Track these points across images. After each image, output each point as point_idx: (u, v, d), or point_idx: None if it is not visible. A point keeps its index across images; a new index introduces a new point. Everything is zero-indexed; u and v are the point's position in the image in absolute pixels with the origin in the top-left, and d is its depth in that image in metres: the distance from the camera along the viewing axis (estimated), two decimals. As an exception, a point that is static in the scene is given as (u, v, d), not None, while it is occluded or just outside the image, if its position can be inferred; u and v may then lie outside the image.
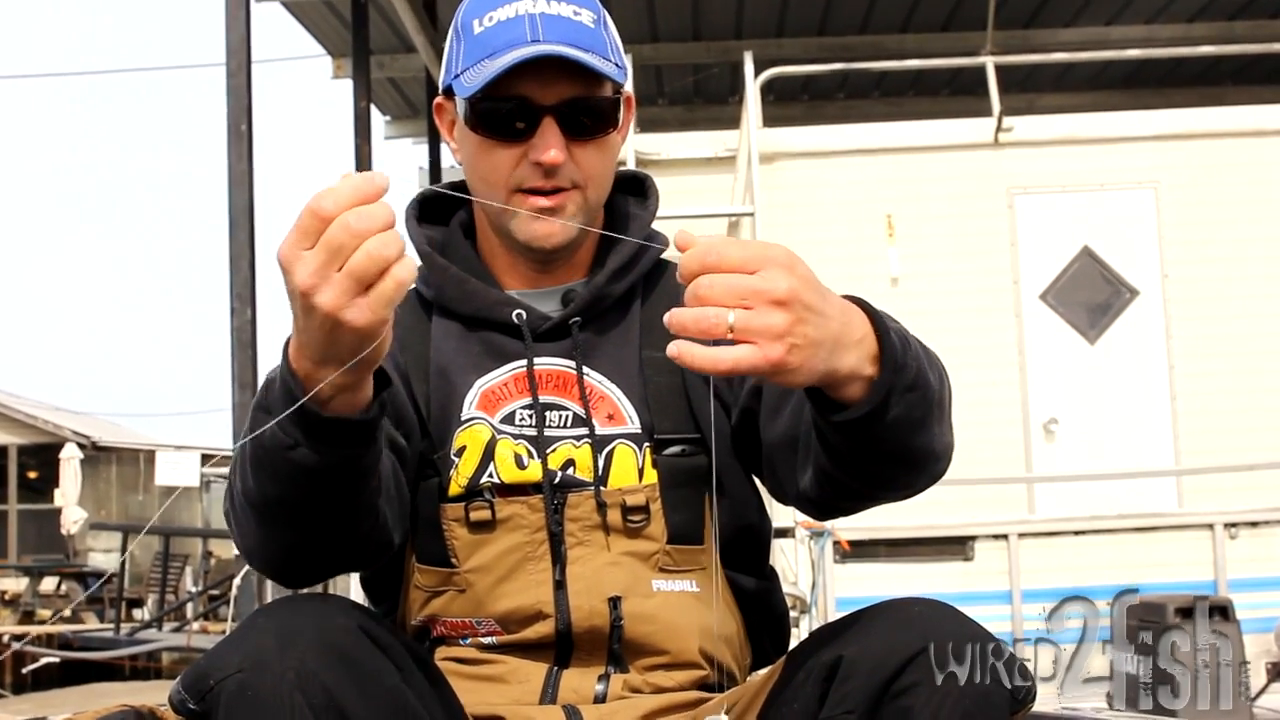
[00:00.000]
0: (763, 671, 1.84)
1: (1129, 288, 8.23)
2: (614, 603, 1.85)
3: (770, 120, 8.46)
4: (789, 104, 11.68)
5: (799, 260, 1.47)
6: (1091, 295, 8.21)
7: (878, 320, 1.55)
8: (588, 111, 1.85)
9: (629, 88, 1.94)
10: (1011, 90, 8.38)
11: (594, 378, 1.91)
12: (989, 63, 8.51)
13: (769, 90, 8.52)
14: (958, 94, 11.76)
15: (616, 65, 1.87)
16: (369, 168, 11.26)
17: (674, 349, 1.44)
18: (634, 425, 1.89)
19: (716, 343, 1.44)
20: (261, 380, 1.63)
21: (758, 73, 8.39)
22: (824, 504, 1.76)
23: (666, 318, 1.44)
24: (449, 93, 1.92)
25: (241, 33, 7.42)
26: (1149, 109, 9.03)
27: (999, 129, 8.28)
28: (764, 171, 8.01)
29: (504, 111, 1.84)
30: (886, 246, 8.13)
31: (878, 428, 1.56)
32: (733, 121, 9.20)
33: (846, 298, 1.56)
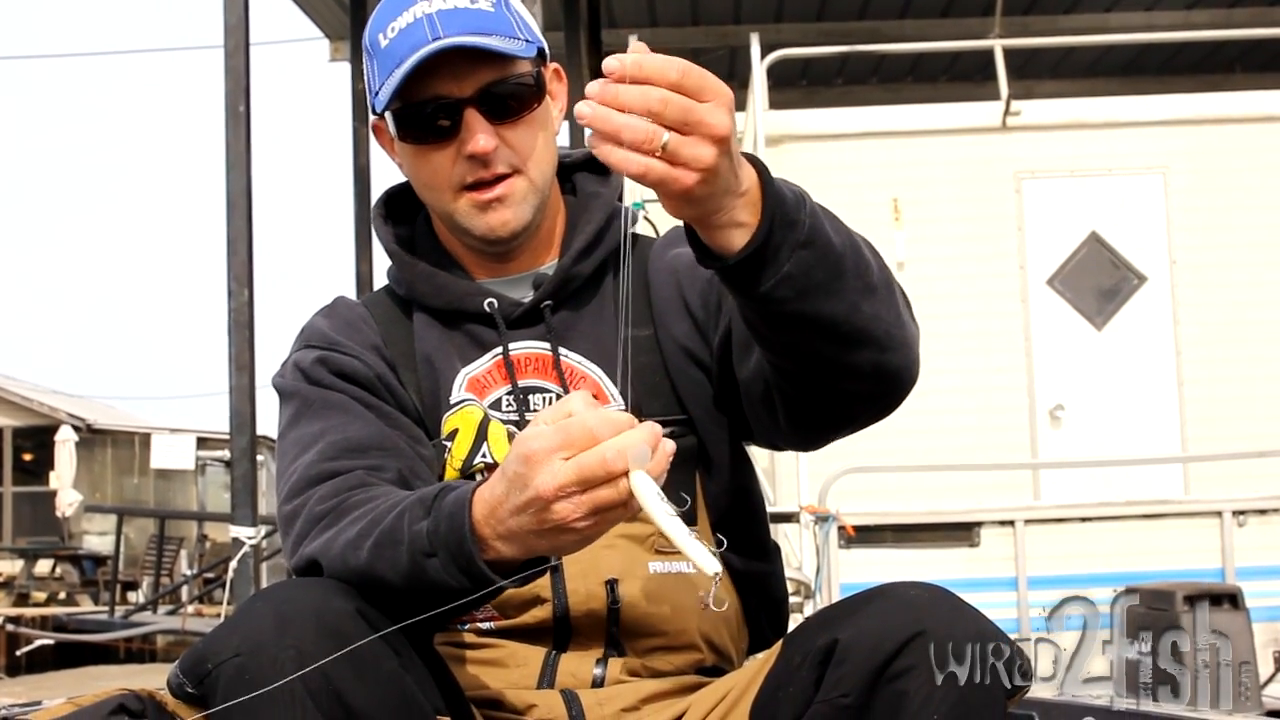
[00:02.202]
0: (760, 655, 1.84)
1: (1136, 273, 8.19)
2: (611, 585, 1.86)
3: (767, 105, 8.40)
4: (786, 90, 11.61)
5: (733, 97, 1.47)
6: (1099, 281, 8.18)
7: (765, 174, 1.56)
8: (507, 94, 1.87)
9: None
10: (1009, 77, 8.32)
11: (573, 358, 1.94)
12: (997, 45, 8.47)
13: (767, 75, 8.48)
14: (956, 80, 11.74)
15: (526, 41, 1.88)
16: (367, 151, 11.23)
17: (591, 130, 1.44)
18: (618, 404, 1.90)
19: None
20: (409, 499, 1.66)
21: (762, 57, 8.32)
22: (794, 420, 1.76)
23: (584, 108, 1.43)
24: (376, 110, 1.93)
25: (239, 13, 7.39)
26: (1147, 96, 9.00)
27: (1007, 113, 8.24)
28: (770, 154, 7.97)
29: (425, 114, 1.87)
30: (893, 230, 8.08)
31: (767, 285, 1.56)
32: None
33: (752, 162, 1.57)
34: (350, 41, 11.11)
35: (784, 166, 8.01)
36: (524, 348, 1.94)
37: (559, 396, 1.91)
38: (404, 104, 1.87)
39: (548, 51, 1.96)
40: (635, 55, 1.45)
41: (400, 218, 2.07)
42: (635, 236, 2.05)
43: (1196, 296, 8.14)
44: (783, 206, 1.55)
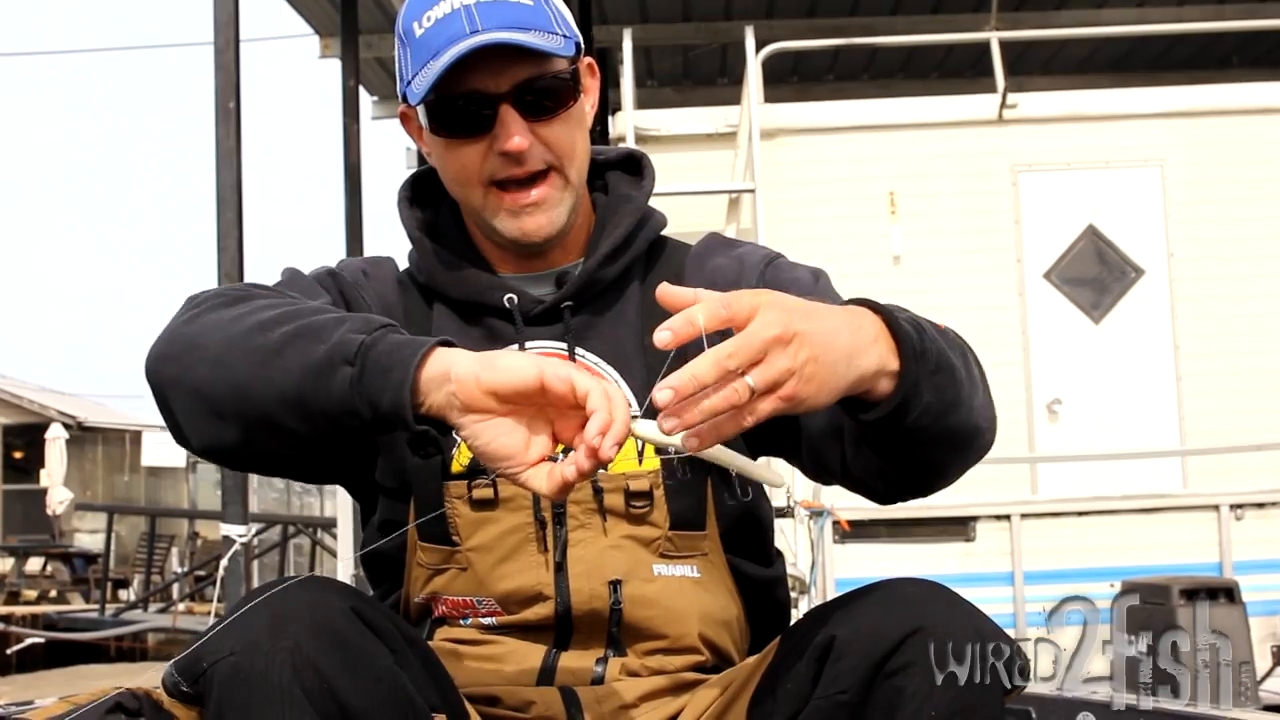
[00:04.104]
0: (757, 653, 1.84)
1: (1134, 267, 8.16)
2: (614, 586, 1.84)
3: (762, 99, 8.38)
4: (778, 86, 11.61)
5: (775, 293, 1.48)
6: (1096, 274, 8.16)
7: (888, 315, 1.57)
8: (543, 91, 1.84)
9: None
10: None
11: (589, 360, 1.92)
12: (993, 38, 8.45)
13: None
14: (947, 76, 11.77)
15: (565, 37, 1.86)
16: (358, 148, 11.21)
17: (693, 442, 1.45)
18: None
19: None
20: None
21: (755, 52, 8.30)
22: (893, 493, 1.78)
23: (679, 408, 1.43)
24: (408, 100, 1.89)
25: (230, 9, 7.37)
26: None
27: (1003, 106, 8.21)
28: (765, 148, 7.94)
29: (460, 108, 1.84)
30: (889, 224, 8.06)
31: (912, 417, 1.58)
32: (722, 103, 9.13)
33: (853, 301, 1.59)
34: (340, 38, 11.08)
35: (779, 160, 7.99)
36: (540, 346, 1.91)
37: None
38: (438, 96, 1.83)
39: (583, 45, 1.93)
40: (682, 318, 1.44)
41: (425, 202, 2.04)
42: (664, 240, 2.03)
43: (1194, 290, 8.11)
44: (910, 341, 1.56)
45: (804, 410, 1.49)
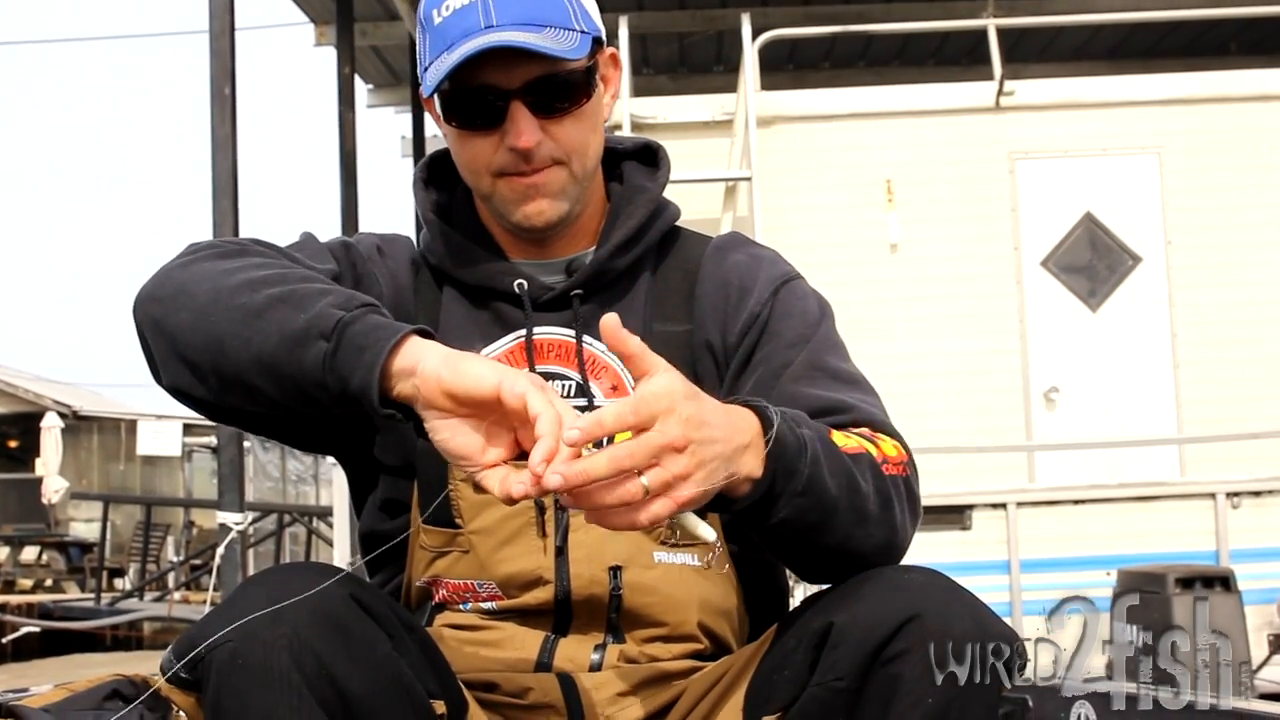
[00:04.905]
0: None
1: (1131, 254, 8.14)
2: (614, 572, 1.85)
3: (759, 86, 8.36)
4: (774, 74, 11.58)
5: (676, 389, 1.50)
6: (1093, 262, 8.14)
7: (771, 425, 1.59)
8: (555, 90, 1.85)
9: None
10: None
11: (596, 348, 1.92)
12: (991, 25, 8.43)
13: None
14: (943, 64, 11.74)
15: (582, 31, 1.86)
16: (353, 136, 11.19)
17: (592, 519, 1.50)
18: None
19: None
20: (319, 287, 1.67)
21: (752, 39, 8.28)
22: (800, 575, 1.82)
23: (574, 486, 1.47)
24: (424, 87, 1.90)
25: (225, -5, 7.35)
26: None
27: (1000, 93, 8.19)
28: (762, 135, 7.92)
29: (472, 102, 1.84)
30: (886, 212, 8.03)
31: (769, 525, 1.62)
32: (716, 91, 9.10)
33: (740, 403, 1.61)
34: (336, 26, 11.05)
35: (776, 148, 7.97)
36: (548, 333, 1.93)
37: (578, 385, 1.91)
38: (451, 88, 1.84)
39: (604, 37, 1.93)
40: (592, 419, 1.48)
41: (441, 184, 2.05)
42: (678, 230, 2.04)
43: (1192, 277, 8.08)
44: (784, 457, 1.59)
45: (691, 509, 1.53)
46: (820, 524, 1.64)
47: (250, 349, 1.64)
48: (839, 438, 1.69)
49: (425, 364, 1.57)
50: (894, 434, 1.82)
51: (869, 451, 1.71)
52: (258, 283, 1.68)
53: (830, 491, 1.63)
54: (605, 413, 1.48)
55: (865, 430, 1.78)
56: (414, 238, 2.09)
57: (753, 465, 1.57)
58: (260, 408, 1.70)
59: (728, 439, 1.54)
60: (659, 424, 1.48)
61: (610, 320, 1.51)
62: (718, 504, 1.59)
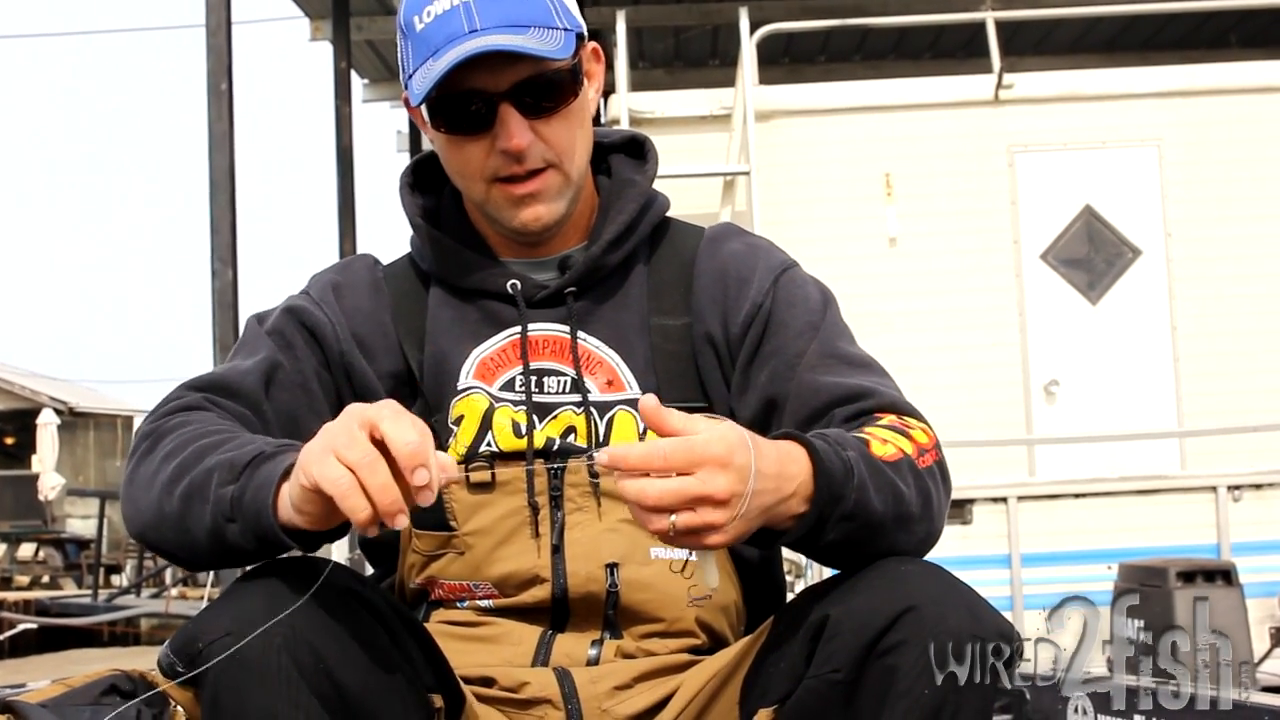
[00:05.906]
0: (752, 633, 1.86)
1: (1131, 247, 8.13)
2: (611, 569, 1.86)
3: (757, 80, 8.35)
4: (770, 67, 11.57)
5: (736, 445, 1.51)
6: (1093, 255, 8.13)
7: (816, 459, 1.60)
8: (543, 90, 1.84)
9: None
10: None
11: (591, 343, 1.92)
12: (989, 18, 8.42)
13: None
14: (940, 57, 11.73)
15: (565, 29, 1.84)
16: (349, 130, 11.20)
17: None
18: (634, 391, 1.90)
19: None
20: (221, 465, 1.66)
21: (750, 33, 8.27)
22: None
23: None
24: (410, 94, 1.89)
25: (221, -10, 7.34)
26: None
27: (999, 86, 8.17)
28: (760, 129, 7.90)
29: (460, 107, 1.84)
30: (884, 206, 8.02)
31: (817, 548, 1.64)
32: (713, 85, 9.08)
33: (789, 437, 1.62)
34: (331, 20, 11.04)
35: (774, 142, 7.96)
36: (542, 329, 1.93)
37: (573, 380, 1.91)
38: (438, 95, 1.83)
39: (586, 33, 1.92)
40: (613, 452, 1.52)
41: (427, 187, 2.04)
42: (669, 221, 2.03)
43: (1192, 270, 8.07)
44: (831, 486, 1.60)
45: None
46: (868, 539, 1.65)
47: (200, 548, 1.68)
48: (876, 446, 1.69)
49: (290, 496, 1.57)
50: (916, 414, 1.81)
51: (906, 454, 1.71)
52: (169, 483, 1.69)
53: (876, 510, 1.64)
54: (634, 447, 1.52)
55: (894, 419, 1.77)
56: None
57: (798, 505, 1.59)
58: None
59: (777, 489, 1.56)
60: (701, 473, 1.49)
61: (649, 402, 1.53)
62: (760, 539, 1.61)
